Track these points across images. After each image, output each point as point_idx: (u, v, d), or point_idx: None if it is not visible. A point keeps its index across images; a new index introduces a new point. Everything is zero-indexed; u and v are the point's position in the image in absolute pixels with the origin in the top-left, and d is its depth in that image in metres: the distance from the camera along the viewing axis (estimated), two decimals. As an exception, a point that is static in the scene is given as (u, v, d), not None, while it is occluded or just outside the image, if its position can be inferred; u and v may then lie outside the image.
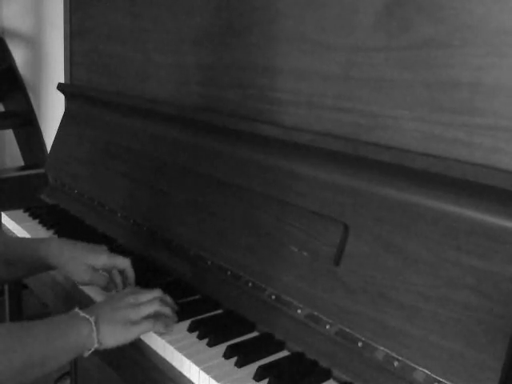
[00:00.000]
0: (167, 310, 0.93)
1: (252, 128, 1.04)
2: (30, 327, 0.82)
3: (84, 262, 1.03)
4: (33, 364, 0.79)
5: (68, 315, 0.86)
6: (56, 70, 2.32)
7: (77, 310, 0.87)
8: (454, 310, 0.72)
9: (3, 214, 1.51)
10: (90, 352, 0.85)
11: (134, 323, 0.88)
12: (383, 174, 0.83)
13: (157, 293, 0.95)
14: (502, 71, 0.72)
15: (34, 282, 1.31)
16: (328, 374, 0.84)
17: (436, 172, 0.76)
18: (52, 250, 1.04)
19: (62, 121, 1.71)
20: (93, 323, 0.84)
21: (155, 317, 0.90)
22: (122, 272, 1.06)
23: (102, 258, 1.03)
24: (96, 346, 0.84)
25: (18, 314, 1.70)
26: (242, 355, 0.85)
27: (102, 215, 1.40)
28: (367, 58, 0.88)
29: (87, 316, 0.85)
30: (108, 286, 1.05)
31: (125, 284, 1.06)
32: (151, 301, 0.92)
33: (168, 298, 0.96)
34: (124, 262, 1.05)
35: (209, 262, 1.07)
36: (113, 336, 0.86)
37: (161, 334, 0.91)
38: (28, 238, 1.17)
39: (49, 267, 1.06)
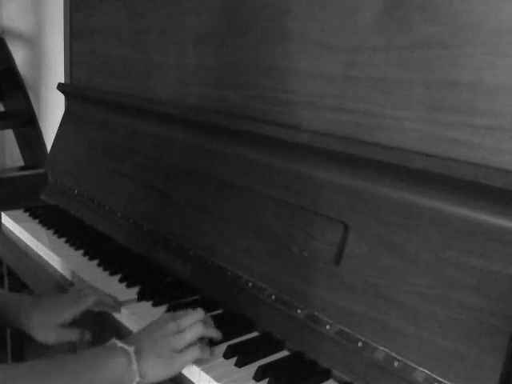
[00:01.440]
0: (213, 333, 0.86)
1: (253, 128, 1.04)
2: (58, 363, 0.75)
3: (51, 325, 0.93)
4: None
5: (104, 346, 0.79)
6: (56, 70, 2.32)
7: (114, 340, 0.79)
8: (454, 310, 0.72)
9: (3, 214, 1.51)
10: None
11: (178, 352, 0.80)
12: (383, 174, 0.83)
13: (199, 314, 0.85)
14: (502, 71, 0.72)
15: (34, 282, 1.31)
16: (328, 374, 0.84)
17: (436, 172, 0.76)
18: (22, 312, 0.95)
19: (61, 121, 1.71)
20: (132, 354, 0.77)
21: (198, 341, 0.83)
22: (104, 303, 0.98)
23: (64, 315, 0.93)
24: (138, 380, 0.76)
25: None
26: (241, 355, 0.85)
27: (102, 215, 1.40)
28: (368, 57, 0.88)
29: (125, 346, 0.77)
30: (83, 338, 0.95)
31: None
32: (194, 325, 0.83)
33: (209, 319, 0.88)
34: (88, 301, 0.95)
35: (209, 262, 1.07)
36: (156, 368, 0.78)
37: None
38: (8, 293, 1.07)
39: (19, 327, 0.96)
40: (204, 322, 0.85)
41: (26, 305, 0.97)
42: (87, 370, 0.74)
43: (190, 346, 0.82)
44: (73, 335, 0.94)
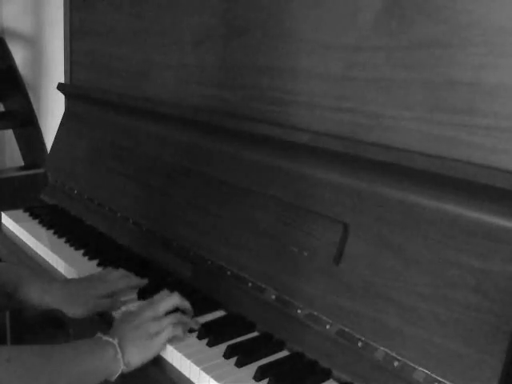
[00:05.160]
0: (186, 319, 0.92)
1: (252, 128, 1.04)
2: (55, 351, 0.80)
3: (86, 299, 1.00)
4: None
5: (91, 340, 0.85)
6: (56, 70, 2.32)
7: (99, 334, 0.86)
8: (454, 310, 0.72)
9: (3, 214, 1.51)
10: (118, 375, 0.83)
11: (156, 336, 0.87)
12: (383, 174, 0.83)
13: (174, 300, 0.93)
14: (502, 71, 0.72)
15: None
16: (328, 374, 0.84)
17: (436, 172, 0.76)
18: (47, 290, 1.01)
19: (61, 121, 1.71)
20: (117, 346, 0.83)
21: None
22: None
23: (100, 289, 1.02)
24: (123, 367, 0.83)
25: (18, 313, 1.69)
26: (241, 355, 0.85)
27: (102, 215, 1.40)
28: (367, 57, 0.88)
29: (110, 339, 0.84)
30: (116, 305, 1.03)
31: None
32: (170, 311, 0.91)
33: (186, 303, 0.95)
34: (119, 283, 1.04)
35: (209, 262, 1.07)
36: (138, 354, 0.85)
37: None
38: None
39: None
40: (179, 306, 0.93)
41: (52, 283, 1.03)
42: (82, 361, 0.80)
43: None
44: (107, 304, 1.01)
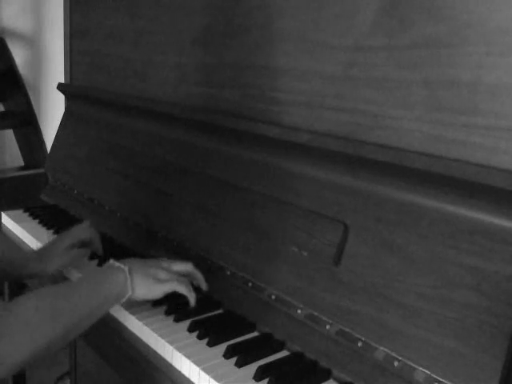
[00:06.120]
0: (198, 275, 1.02)
1: (252, 128, 1.04)
2: (74, 286, 0.90)
3: (59, 252, 1.12)
4: (81, 318, 0.85)
5: (104, 267, 0.95)
6: (56, 70, 2.32)
7: (111, 261, 0.94)
8: (454, 310, 0.72)
9: (3, 214, 1.51)
10: (125, 299, 0.92)
11: (161, 282, 0.94)
12: (383, 174, 0.83)
13: (188, 266, 1.01)
14: (502, 71, 0.72)
15: (33, 281, 1.31)
16: (328, 374, 0.84)
17: (436, 172, 0.76)
18: (30, 260, 1.12)
19: (61, 121, 1.71)
20: (127, 272, 0.92)
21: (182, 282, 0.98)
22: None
23: (66, 240, 1.14)
24: (129, 293, 0.91)
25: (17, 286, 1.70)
26: (241, 355, 0.85)
27: (102, 215, 1.40)
28: (367, 57, 0.88)
29: (122, 266, 0.93)
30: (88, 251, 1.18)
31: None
32: (182, 269, 1.00)
33: (199, 275, 1.02)
34: (82, 226, 1.17)
35: (209, 262, 1.07)
36: (143, 287, 0.93)
37: (160, 333, 0.91)
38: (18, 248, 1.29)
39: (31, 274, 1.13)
40: (192, 273, 1.02)
41: (31, 254, 1.16)
42: (98, 288, 0.89)
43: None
44: (79, 253, 1.14)
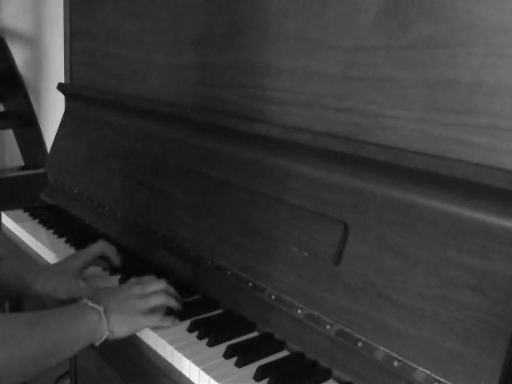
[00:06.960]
0: (173, 303, 0.96)
1: (252, 128, 1.04)
2: (41, 316, 0.84)
3: (68, 278, 1.05)
4: (45, 353, 0.81)
5: (77, 305, 0.88)
6: (56, 70, 2.32)
7: (85, 300, 0.89)
8: (454, 310, 0.72)
9: (3, 214, 1.51)
10: (102, 340, 0.87)
11: (142, 314, 0.91)
12: (383, 174, 0.83)
13: (161, 284, 0.96)
14: (502, 71, 0.72)
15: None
16: (328, 374, 0.84)
17: (436, 172, 0.76)
18: (40, 277, 1.04)
19: (61, 121, 1.71)
20: (102, 313, 0.87)
21: (159, 310, 0.93)
22: (106, 258, 1.13)
23: (76, 263, 1.07)
24: (108, 334, 0.87)
25: (17, 305, 1.70)
26: (241, 355, 0.85)
27: (102, 215, 1.40)
28: (367, 57, 0.88)
29: (96, 306, 0.87)
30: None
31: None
32: (157, 292, 0.94)
33: (172, 290, 0.98)
34: (93, 248, 1.10)
35: (209, 262, 1.07)
36: (124, 325, 0.89)
37: (160, 333, 0.91)
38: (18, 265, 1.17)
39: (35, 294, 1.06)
40: (166, 291, 0.96)
41: (37, 275, 1.05)
42: (66, 325, 0.84)
43: (152, 311, 0.92)
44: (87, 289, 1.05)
